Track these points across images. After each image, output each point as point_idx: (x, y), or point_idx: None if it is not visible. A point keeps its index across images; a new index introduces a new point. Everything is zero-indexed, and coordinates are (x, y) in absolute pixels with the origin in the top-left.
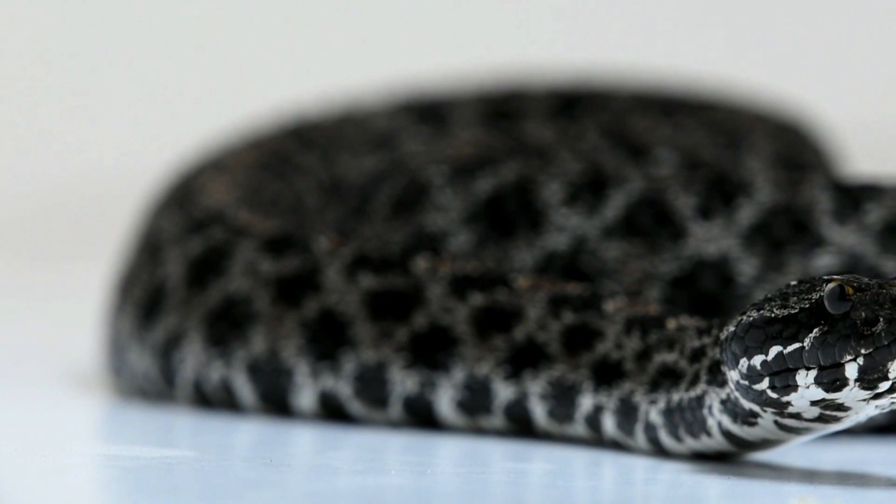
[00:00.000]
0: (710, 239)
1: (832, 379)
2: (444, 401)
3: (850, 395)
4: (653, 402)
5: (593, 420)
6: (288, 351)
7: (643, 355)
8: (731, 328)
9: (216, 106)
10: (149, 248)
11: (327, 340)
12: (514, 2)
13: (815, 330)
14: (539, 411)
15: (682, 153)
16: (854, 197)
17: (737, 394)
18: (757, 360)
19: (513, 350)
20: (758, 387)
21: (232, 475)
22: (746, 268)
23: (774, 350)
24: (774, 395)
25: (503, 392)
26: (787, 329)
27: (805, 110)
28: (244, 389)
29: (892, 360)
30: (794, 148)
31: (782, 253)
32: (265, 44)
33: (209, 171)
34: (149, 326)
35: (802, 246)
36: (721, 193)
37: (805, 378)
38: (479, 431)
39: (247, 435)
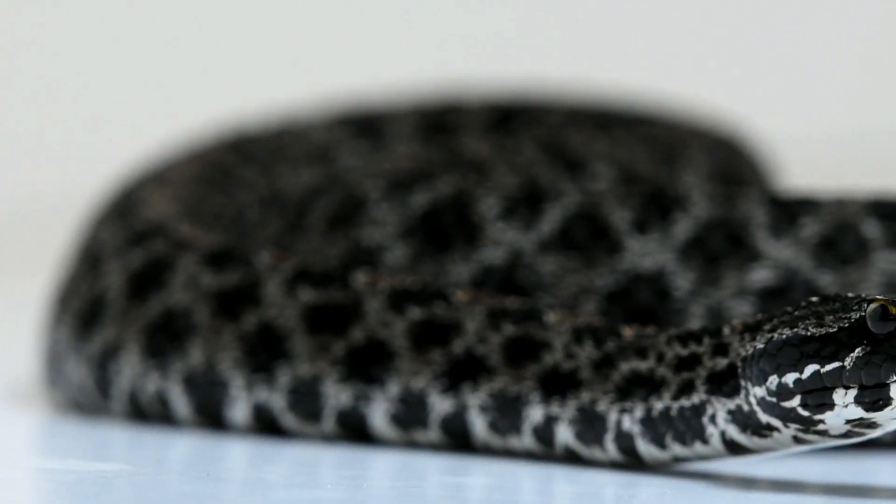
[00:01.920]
0: (646, 253)
1: (875, 399)
2: (378, 414)
3: (891, 414)
4: (625, 410)
5: (543, 431)
6: (224, 363)
7: (603, 364)
8: (760, 345)
9: (156, 120)
10: (89, 260)
11: (264, 353)
12: (449, 17)
13: (858, 350)
14: (479, 424)
15: (618, 168)
16: (790, 211)
17: (756, 408)
18: (790, 377)
19: (451, 363)
20: (787, 404)
21: (168, 489)
22: (682, 282)
23: (810, 369)
24: (806, 413)
25: (440, 405)
26: (826, 348)
27: (741, 125)
28: (179, 401)
29: None
30: (730, 162)
31: (718, 267)
32: (204, 58)
33: (150, 184)
34: (86, 338)
35: (738, 260)
36: (657, 208)
37: (843, 397)
38: (414, 446)
39: (182, 448)
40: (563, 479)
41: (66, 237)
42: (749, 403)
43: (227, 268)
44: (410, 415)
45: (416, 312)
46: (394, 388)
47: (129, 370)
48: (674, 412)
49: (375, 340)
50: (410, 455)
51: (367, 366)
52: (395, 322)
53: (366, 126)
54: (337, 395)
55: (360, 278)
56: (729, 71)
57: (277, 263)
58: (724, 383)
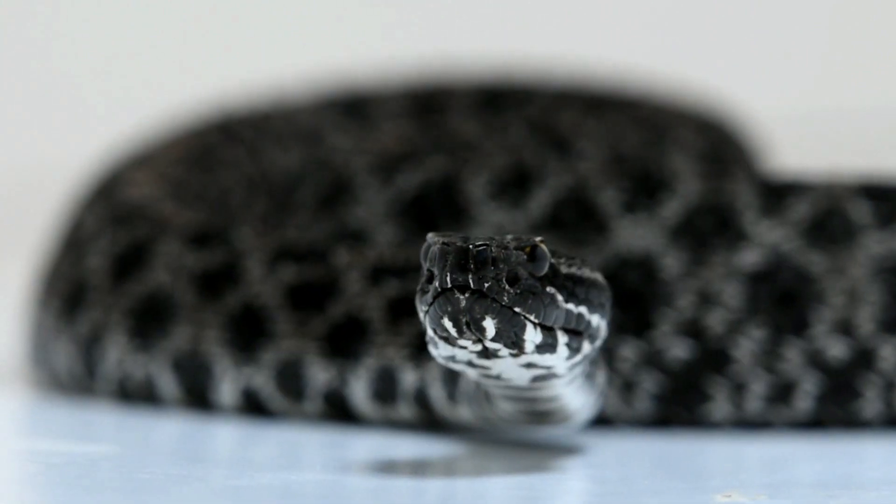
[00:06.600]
0: (634, 234)
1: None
2: (358, 391)
3: (436, 351)
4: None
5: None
6: (209, 344)
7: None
8: None
9: (142, 100)
10: (73, 242)
11: (247, 333)
12: None
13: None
14: (436, 394)
15: (606, 148)
16: (778, 192)
17: None
18: None
19: (418, 336)
20: None
21: (155, 470)
22: (671, 263)
23: None
24: None
25: (408, 378)
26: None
27: (729, 105)
28: (167, 383)
29: (439, 319)
30: (718, 143)
31: (707, 248)
32: (189, 36)
33: (135, 165)
34: (72, 320)
35: (727, 241)
36: (645, 188)
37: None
38: (393, 424)
39: (169, 430)
40: (539, 463)
41: (50, 218)
42: None
43: (209, 247)
44: (385, 390)
45: (393, 286)
46: (370, 362)
47: (116, 352)
48: None
49: (353, 316)
50: (392, 435)
51: (346, 342)
52: (372, 297)
53: (354, 107)
54: (320, 374)
55: (342, 254)
56: (716, 50)
57: (259, 242)
58: None
